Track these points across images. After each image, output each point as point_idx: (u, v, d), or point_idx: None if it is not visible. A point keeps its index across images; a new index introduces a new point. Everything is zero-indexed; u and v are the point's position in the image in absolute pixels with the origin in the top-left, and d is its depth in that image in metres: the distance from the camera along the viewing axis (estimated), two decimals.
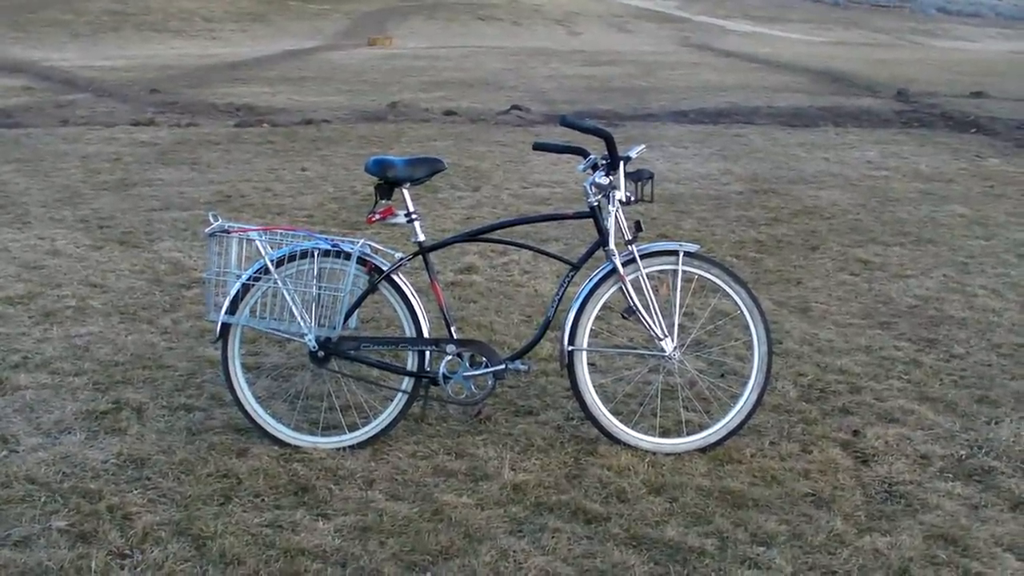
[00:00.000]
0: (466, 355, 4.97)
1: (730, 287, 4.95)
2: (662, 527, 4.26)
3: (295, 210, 10.11)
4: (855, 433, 5.19)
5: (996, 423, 5.34)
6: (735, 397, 5.09)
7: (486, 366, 4.97)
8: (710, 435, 4.99)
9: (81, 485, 4.51)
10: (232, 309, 4.85)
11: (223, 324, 4.88)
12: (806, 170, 12.89)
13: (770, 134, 16.17)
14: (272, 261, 4.81)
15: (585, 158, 4.93)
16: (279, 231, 4.93)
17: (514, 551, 4.06)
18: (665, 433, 5.10)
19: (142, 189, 11.12)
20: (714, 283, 4.96)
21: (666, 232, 9.20)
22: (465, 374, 4.96)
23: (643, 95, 21.84)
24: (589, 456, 4.89)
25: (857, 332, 6.72)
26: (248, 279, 4.83)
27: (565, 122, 4.88)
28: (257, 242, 4.84)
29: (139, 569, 3.88)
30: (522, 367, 5.04)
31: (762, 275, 7.99)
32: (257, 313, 4.89)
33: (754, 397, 4.99)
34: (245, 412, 4.99)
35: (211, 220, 4.86)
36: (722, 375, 5.79)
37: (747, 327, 4.99)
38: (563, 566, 3.97)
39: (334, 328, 4.88)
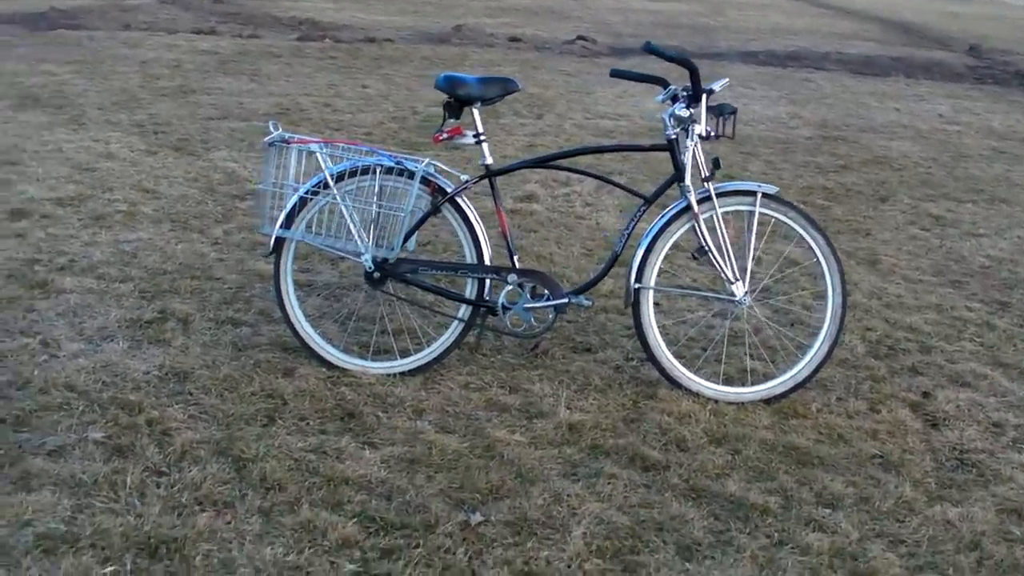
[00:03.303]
0: (527, 286, 4.76)
1: (808, 233, 4.72)
2: (723, 480, 4.06)
3: (354, 127, 9.90)
4: (925, 395, 4.98)
5: None
6: (804, 348, 4.87)
7: (548, 299, 4.76)
8: (776, 386, 4.77)
9: (121, 396, 4.35)
10: (288, 223, 4.65)
11: (277, 238, 4.69)
12: (876, 119, 12.54)
13: (839, 80, 15.78)
14: (332, 176, 4.61)
15: (665, 88, 4.70)
16: (340, 145, 4.71)
17: (568, 495, 3.86)
18: (728, 381, 4.89)
19: (200, 97, 10.94)
20: (791, 228, 4.73)
21: (732, 173, 8.93)
22: (525, 306, 4.75)
23: (711, 33, 21.42)
24: (648, 400, 4.70)
25: (927, 289, 6.47)
26: (306, 193, 4.63)
27: (649, 48, 4.64)
28: (318, 155, 4.63)
29: (176, 488, 3.71)
30: (585, 302, 4.83)
31: (830, 224, 7.71)
32: (313, 229, 4.70)
33: (825, 349, 4.77)
34: (294, 330, 4.81)
35: (271, 129, 4.65)
36: (792, 324, 5.55)
37: (822, 275, 4.75)
38: (618, 515, 3.77)
39: (392, 249, 4.67)
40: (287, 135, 4.63)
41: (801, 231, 4.72)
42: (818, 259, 4.74)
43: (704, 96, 4.58)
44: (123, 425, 4.11)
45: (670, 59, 4.61)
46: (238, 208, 7.09)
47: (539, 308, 4.76)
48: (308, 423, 4.27)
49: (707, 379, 4.82)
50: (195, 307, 5.34)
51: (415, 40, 16.96)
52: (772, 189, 4.70)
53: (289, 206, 4.64)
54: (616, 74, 4.89)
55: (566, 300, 4.77)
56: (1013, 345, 5.68)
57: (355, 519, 3.62)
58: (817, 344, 4.78)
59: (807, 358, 4.78)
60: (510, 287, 4.75)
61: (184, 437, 4.04)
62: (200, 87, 11.51)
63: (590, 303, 4.88)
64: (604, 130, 10.69)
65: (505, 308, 4.75)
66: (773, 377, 4.83)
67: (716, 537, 3.71)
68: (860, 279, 6.53)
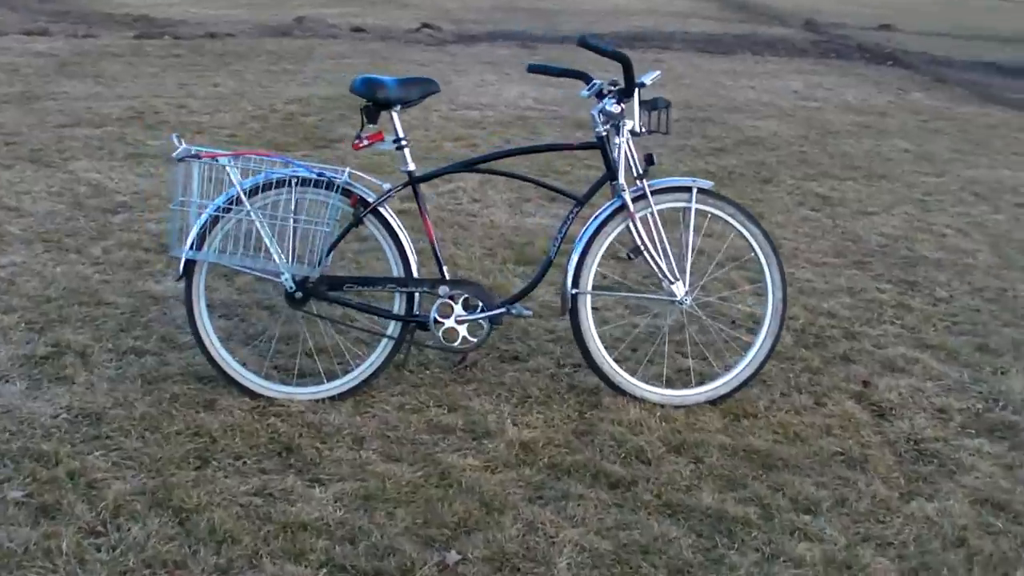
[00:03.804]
0: (460, 298, 4.47)
1: (745, 228, 4.55)
2: (695, 493, 3.86)
3: (214, 128, 9.45)
4: (865, 384, 4.87)
5: (1002, 373, 5.08)
6: (746, 346, 4.69)
7: (482, 310, 4.48)
8: (720, 386, 4.60)
9: (32, 446, 3.94)
10: (198, 243, 4.29)
11: (188, 260, 4.32)
12: (736, 98, 12.53)
13: (690, 60, 15.78)
14: (244, 190, 4.27)
15: (587, 83, 4.48)
16: (253, 156, 4.36)
17: (541, 523, 3.61)
18: (671, 383, 4.69)
19: (47, 103, 10.32)
20: (728, 223, 4.55)
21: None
22: (459, 318, 4.46)
23: (552, 17, 21.26)
24: (594, 409, 4.47)
25: (834, 272, 6.38)
26: (217, 210, 4.28)
27: (584, 42, 4.41)
28: (228, 169, 4.28)
29: (118, 550, 3.34)
30: (525, 312, 4.57)
31: None
32: (227, 249, 4.34)
33: (768, 345, 4.62)
34: (210, 358, 4.44)
35: (176, 143, 4.27)
36: (733, 322, 5.36)
37: (761, 271, 4.59)
38: (599, 540, 3.54)
39: (314, 267, 4.35)
40: (194, 148, 4.27)
41: (738, 226, 4.56)
42: (757, 254, 4.58)
43: (637, 90, 4.37)
44: (43, 480, 3.71)
45: (603, 53, 4.39)
46: (112, 223, 6.64)
47: (473, 320, 4.49)
48: (245, 462, 3.92)
49: (649, 383, 4.61)
50: (91, 337, 4.92)
51: (256, 34, 16.43)
52: (707, 184, 4.51)
53: (199, 225, 4.28)
54: (534, 69, 4.71)
55: (502, 310, 4.50)
56: (932, 326, 5.63)
57: (324, 569, 3.32)
58: (759, 341, 4.62)
59: (750, 355, 4.62)
60: (441, 300, 4.46)
61: (114, 489, 3.66)
62: (44, 92, 10.89)
63: (530, 312, 4.63)
64: (472, 120, 10.44)
65: (437, 322, 4.45)
66: (717, 377, 4.65)
67: (706, 556, 3.51)
68: None
